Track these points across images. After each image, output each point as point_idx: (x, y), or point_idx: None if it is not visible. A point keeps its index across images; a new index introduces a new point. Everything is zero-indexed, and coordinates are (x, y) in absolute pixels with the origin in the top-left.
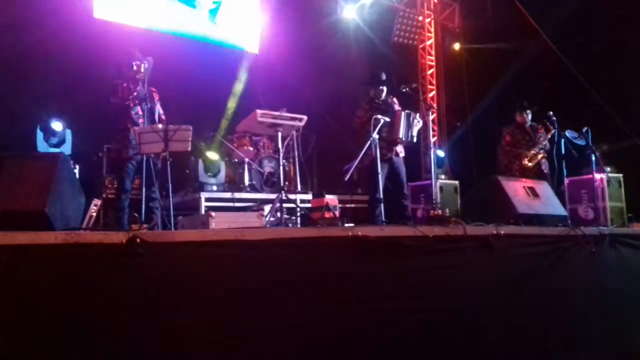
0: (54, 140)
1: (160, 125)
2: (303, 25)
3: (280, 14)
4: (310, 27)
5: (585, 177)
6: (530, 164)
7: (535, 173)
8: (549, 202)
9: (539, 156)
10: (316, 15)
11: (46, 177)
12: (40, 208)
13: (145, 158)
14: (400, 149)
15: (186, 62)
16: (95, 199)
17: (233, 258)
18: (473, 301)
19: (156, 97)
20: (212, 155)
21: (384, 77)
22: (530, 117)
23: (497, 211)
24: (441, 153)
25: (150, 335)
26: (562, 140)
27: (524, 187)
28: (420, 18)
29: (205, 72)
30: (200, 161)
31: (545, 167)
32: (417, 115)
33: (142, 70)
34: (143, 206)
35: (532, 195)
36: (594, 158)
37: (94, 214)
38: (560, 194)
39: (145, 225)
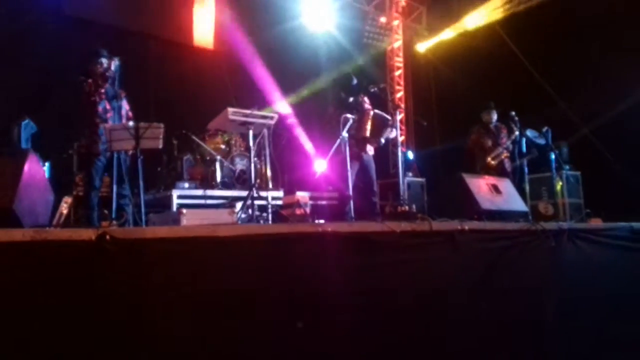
0: (25, 136)
1: (131, 123)
2: (274, 24)
3: (248, 12)
4: (280, 26)
5: (545, 174)
6: (493, 162)
7: (498, 171)
8: (510, 199)
9: (502, 155)
10: (285, 14)
11: (14, 173)
12: (7, 205)
13: (115, 155)
14: (370, 146)
15: (157, 60)
16: (66, 197)
17: (204, 254)
18: (438, 295)
19: (122, 94)
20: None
21: (355, 80)
22: (495, 117)
23: (462, 207)
24: (410, 155)
25: (119, 333)
26: (523, 139)
27: (487, 184)
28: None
29: (177, 70)
30: (185, 159)
31: (508, 165)
32: (394, 123)
33: (113, 67)
34: (114, 203)
35: (494, 192)
36: (553, 156)
37: (65, 212)
38: (521, 191)
39: (115, 222)
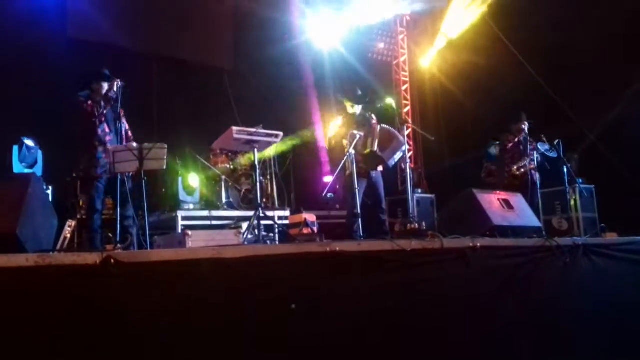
0: (30, 160)
1: (134, 144)
2: (278, 42)
3: (255, 30)
4: (286, 43)
5: (558, 188)
6: (518, 173)
7: (524, 182)
8: (523, 214)
9: (529, 166)
10: (291, 31)
11: (17, 198)
12: (10, 230)
13: (115, 177)
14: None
15: (161, 81)
16: (70, 220)
17: (211, 276)
18: (451, 314)
19: (121, 112)
20: (193, 179)
21: (359, 92)
22: (527, 129)
23: (473, 224)
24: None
25: (124, 358)
26: (535, 152)
27: (498, 199)
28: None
29: (180, 90)
30: (180, 180)
31: (535, 177)
32: (403, 148)
33: (115, 89)
34: (118, 226)
35: (506, 208)
36: (566, 170)
37: (69, 236)
38: (535, 206)
39: (120, 246)
